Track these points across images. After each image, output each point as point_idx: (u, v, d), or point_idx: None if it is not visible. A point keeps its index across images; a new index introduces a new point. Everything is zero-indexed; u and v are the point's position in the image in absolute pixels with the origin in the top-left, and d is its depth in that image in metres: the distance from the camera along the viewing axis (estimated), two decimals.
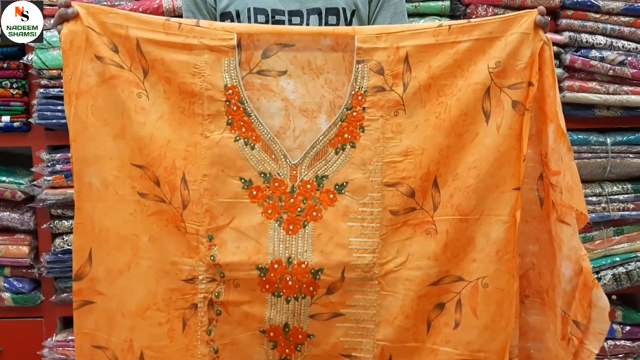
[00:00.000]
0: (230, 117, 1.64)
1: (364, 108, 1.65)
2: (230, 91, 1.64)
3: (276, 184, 1.66)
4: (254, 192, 1.65)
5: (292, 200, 1.66)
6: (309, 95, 1.68)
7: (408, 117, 1.65)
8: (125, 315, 1.69)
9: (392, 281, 1.67)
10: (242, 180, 1.65)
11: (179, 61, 1.63)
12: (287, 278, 1.65)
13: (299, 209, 1.66)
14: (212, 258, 1.65)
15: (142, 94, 1.64)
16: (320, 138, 1.66)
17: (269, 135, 1.65)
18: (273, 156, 1.65)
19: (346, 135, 1.65)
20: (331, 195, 1.66)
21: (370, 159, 1.65)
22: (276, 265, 1.65)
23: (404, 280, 1.67)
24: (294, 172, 1.66)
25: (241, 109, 1.64)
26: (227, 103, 1.64)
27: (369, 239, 1.66)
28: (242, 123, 1.65)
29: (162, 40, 1.63)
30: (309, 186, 1.66)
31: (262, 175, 1.66)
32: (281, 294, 1.65)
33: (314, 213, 1.66)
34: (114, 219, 1.67)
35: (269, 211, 1.66)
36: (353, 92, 1.64)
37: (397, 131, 1.65)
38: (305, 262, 1.65)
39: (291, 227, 1.65)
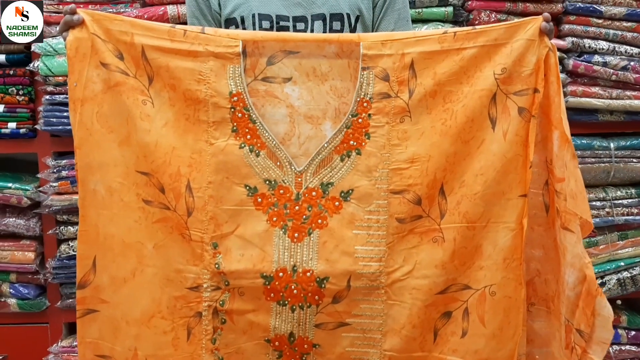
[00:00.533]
0: (235, 124, 1.60)
1: (369, 114, 1.61)
2: (235, 98, 1.60)
3: (281, 191, 1.62)
4: (259, 200, 1.61)
5: (297, 207, 1.62)
6: (314, 101, 1.64)
7: (414, 123, 1.61)
8: (130, 324, 1.65)
9: (398, 290, 1.63)
10: (247, 188, 1.61)
11: (184, 68, 1.59)
12: (292, 286, 1.60)
13: (304, 217, 1.62)
14: (216, 266, 1.61)
15: (147, 100, 1.60)
16: (325, 145, 1.61)
17: (274, 142, 1.61)
18: (278, 163, 1.61)
19: (352, 142, 1.61)
20: (337, 203, 1.62)
21: (376, 166, 1.61)
22: (281, 274, 1.60)
23: (411, 289, 1.62)
24: (299, 179, 1.62)
25: (246, 115, 1.60)
26: (232, 110, 1.60)
27: (375, 247, 1.61)
28: (247, 130, 1.61)
29: (167, 47, 1.59)
30: (314, 193, 1.62)
31: (267, 182, 1.61)
32: (286, 302, 1.61)
33: (319, 220, 1.61)
34: (119, 226, 1.64)
35: (274, 219, 1.61)
36: (358, 99, 1.60)
37: (402, 138, 1.61)
38: (311, 271, 1.60)
39: (296, 234, 1.61)
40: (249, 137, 1.61)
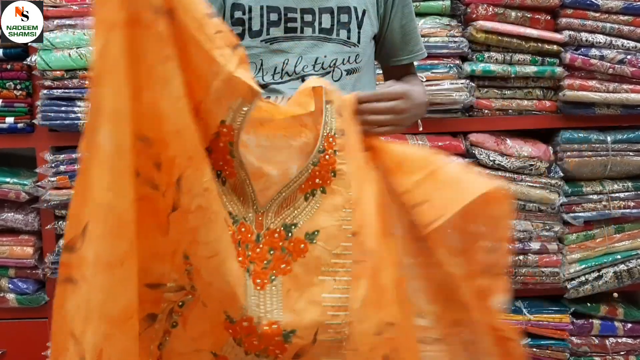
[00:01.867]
0: (210, 146, 1.37)
1: (335, 151, 1.47)
2: (224, 129, 1.36)
3: (243, 229, 1.42)
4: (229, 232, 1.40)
5: (258, 249, 1.43)
6: (276, 142, 1.48)
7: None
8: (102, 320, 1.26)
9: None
10: None
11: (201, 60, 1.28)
12: (254, 339, 1.39)
13: (265, 261, 1.42)
14: (186, 272, 1.36)
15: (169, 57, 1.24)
16: (290, 184, 1.46)
17: (244, 176, 1.42)
18: (242, 198, 1.44)
19: (317, 180, 1.46)
20: (302, 245, 1.44)
21: (342, 206, 1.46)
22: (245, 323, 1.38)
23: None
24: (260, 219, 1.44)
25: (227, 149, 1.39)
26: (216, 135, 1.36)
27: (341, 294, 1.43)
28: (221, 158, 1.40)
29: (195, 27, 1.26)
30: (276, 235, 1.44)
31: (231, 216, 1.42)
32: (242, 345, 1.40)
33: (282, 265, 1.42)
34: (120, 197, 1.23)
35: (240, 258, 1.40)
36: (325, 134, 1.47)
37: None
38: (277, 323, 1.39)
39: (258, 280, 1.40)
40: (221, 163, 1.40)
